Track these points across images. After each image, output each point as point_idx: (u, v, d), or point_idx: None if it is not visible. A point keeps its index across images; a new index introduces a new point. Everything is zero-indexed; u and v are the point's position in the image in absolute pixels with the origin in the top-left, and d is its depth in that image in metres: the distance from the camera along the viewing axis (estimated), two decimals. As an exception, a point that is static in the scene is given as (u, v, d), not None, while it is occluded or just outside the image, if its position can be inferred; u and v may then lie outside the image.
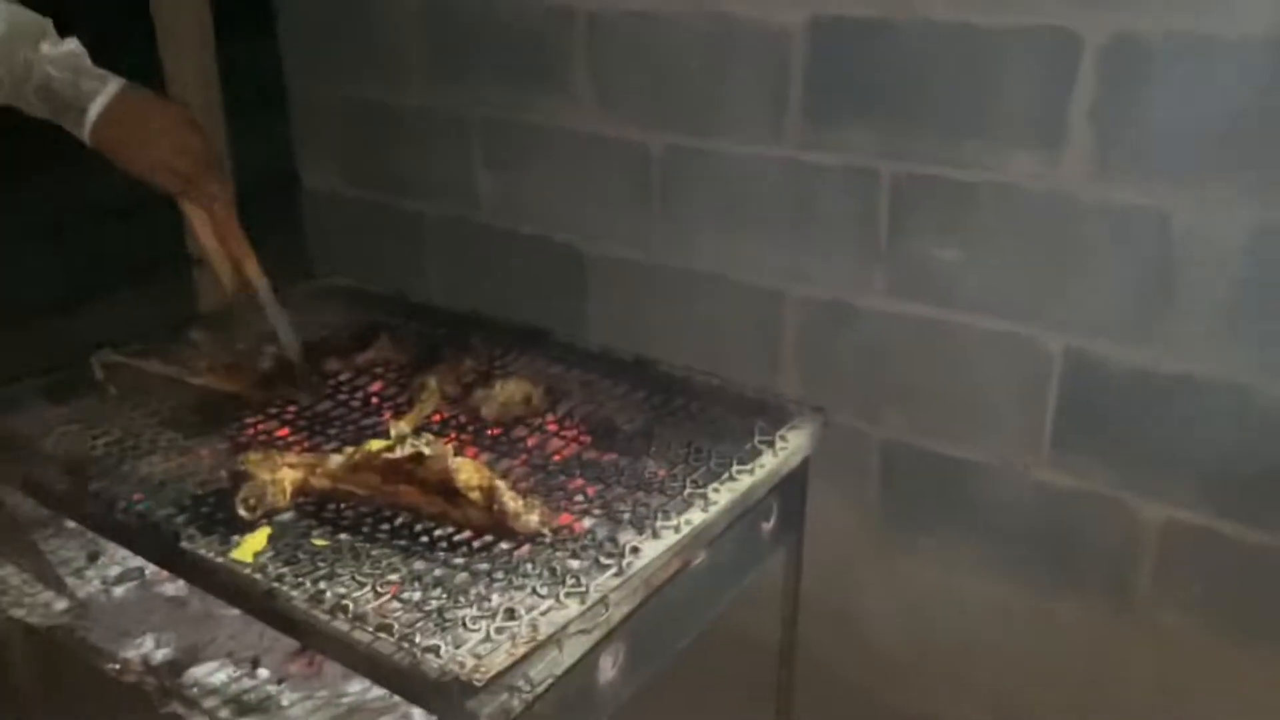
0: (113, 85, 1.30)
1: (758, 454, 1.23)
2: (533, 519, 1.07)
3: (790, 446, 1.26)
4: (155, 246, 2.51)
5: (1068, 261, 1.56)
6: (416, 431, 1.29)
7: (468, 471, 1.07)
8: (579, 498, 1.18)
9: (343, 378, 1.48)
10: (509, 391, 1.34)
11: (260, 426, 1.37)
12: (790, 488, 1.31)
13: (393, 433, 1.29)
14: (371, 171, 2.37)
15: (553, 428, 1.35)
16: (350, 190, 2.42)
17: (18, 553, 1.34)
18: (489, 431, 1.34)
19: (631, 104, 1.94)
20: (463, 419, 1.37)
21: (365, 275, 1.98)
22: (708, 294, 1.94)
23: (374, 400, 1.44)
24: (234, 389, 1.41)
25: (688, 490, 1.16)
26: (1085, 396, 1.61)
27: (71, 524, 1.33)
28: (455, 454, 1.11)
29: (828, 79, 1.70)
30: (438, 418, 1.37)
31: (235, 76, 2.44)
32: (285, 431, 1.36)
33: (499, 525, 1.07)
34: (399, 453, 1.08)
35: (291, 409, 1.40)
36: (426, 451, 1.08)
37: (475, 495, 1.07)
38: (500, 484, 1.07)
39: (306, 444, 1.32)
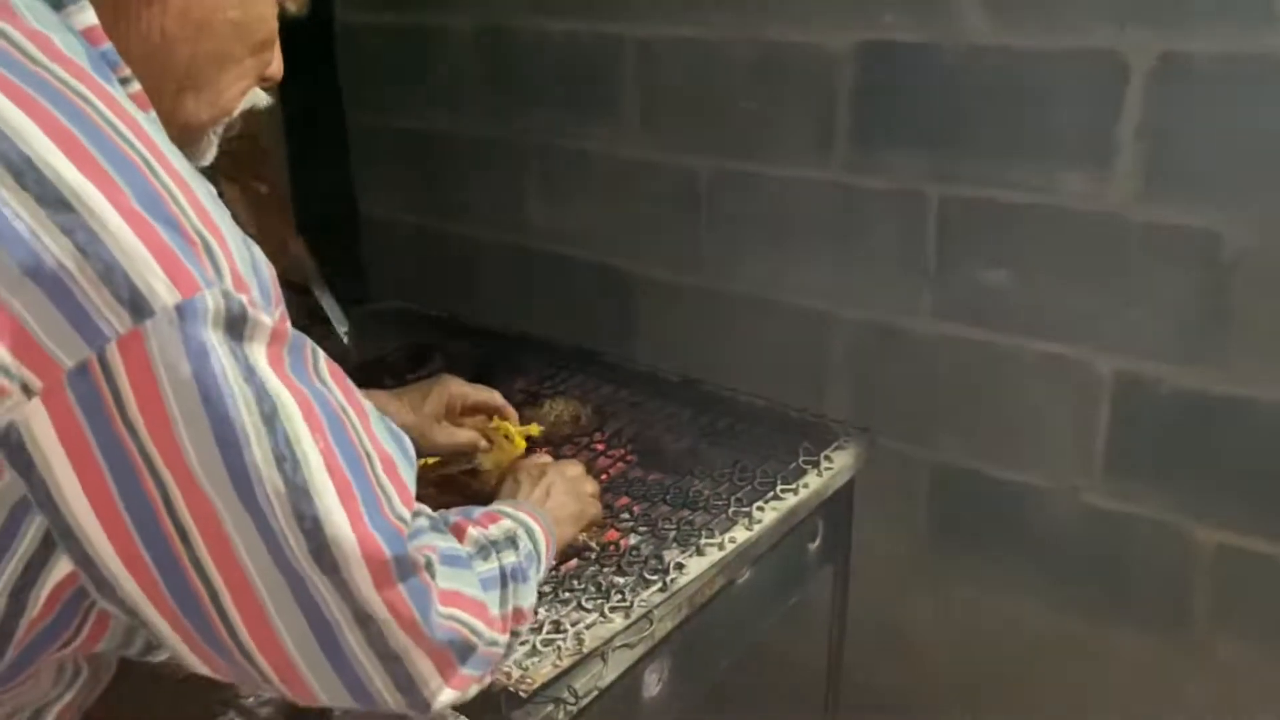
0: None
1: (803, 473, 1.24)
2: (580, 535, 1.09)
3: (836, 466, 1.26)
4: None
5: (1117, 283, 1.55)
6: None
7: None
8: (625, 515, 1.20)
9: (397, 398, 1.52)
10: (558, 410, 1.37)
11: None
12: (836, 508, 1.31)
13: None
14: (427, 200, 2.43)
15: (600, 446, 1.38)
16: (406, 218, 2.48)
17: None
18: (537, 450, 1.36)
19: (679, 129, 1.97)
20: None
21: (421, 300, 2.02)
22: (754, 316, 1.96)
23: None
24: None
25: (732, 509, 1.17)
26: (1137, 419, 1.59)
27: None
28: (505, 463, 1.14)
29: (875, 103, 1.71)
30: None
31: (296, 110, 2.52)
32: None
33: (546, 541, 1.10)
34: (453, 467, 1.11)
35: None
36: (481, 466, 1.11)
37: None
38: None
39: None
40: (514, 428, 1.21)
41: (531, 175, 2.22)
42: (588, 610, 1.00)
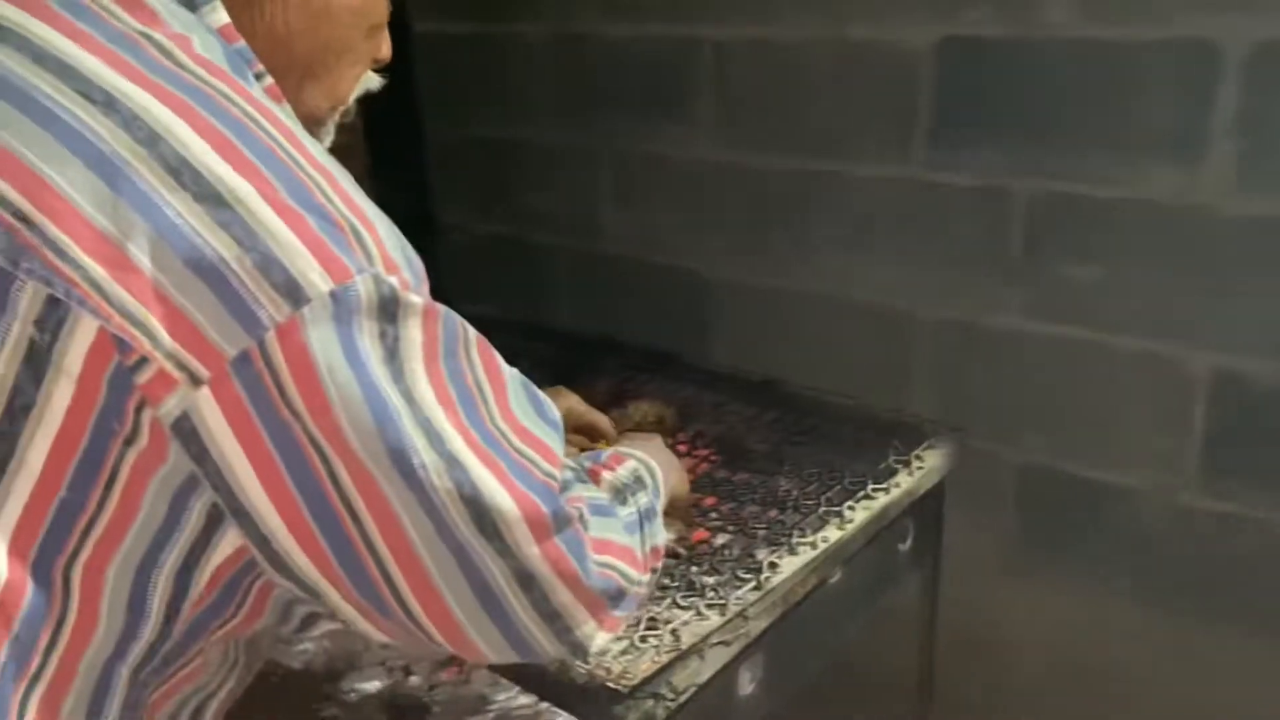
0: None
1: (893, 473, 1.23)
2: (669, 535, 1.09)
3: (927, 466, 1.25)
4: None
5: (1211, 278, 1.51)
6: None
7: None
8: (713, 514, 1.20)
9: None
10: (642, 412, 1.37)
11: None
12: (927, 509, 1.30)
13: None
14: (503, 208, 2.46)
15: (684, 447, 1.38)
16: (483, 227, 2.51)
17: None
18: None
19: (755, 130, 1.96)
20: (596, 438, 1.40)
21: (501, 304, 2.05)
22: (834, 316, 1.94)
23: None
24: None
25: (823, 508, 1.16)
26: (1234, 417, 1.55)
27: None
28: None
29: (956, 98, 1.69)
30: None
31: (375, 119, 2.57)
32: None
33: (638, 540, 1.10)
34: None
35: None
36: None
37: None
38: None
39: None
40: None
41: (606, 180, 2.23)
42: (683, 608, 1.01)
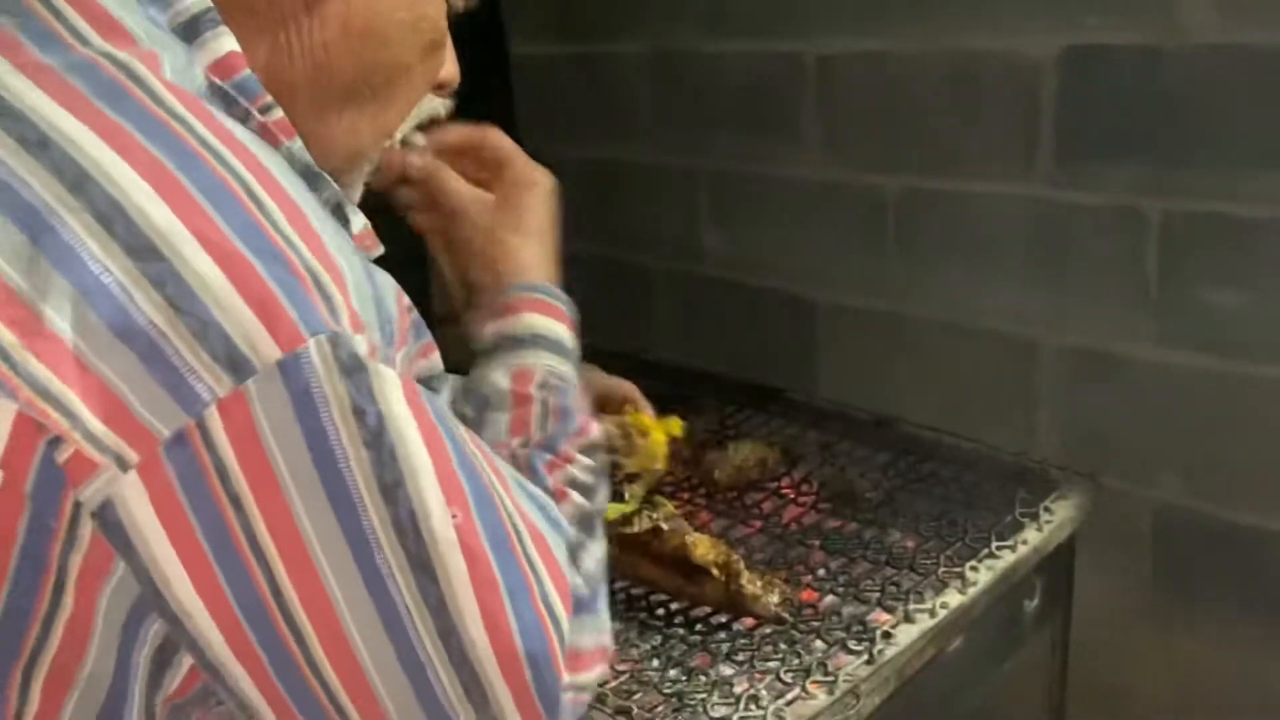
0: None
1: (1020, 528, 1.13)
2: (773, 600, 1.02)
3: (1056, 519, 1.15)
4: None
5: (1376, 304, 1.37)
6: (650, 495, 1.27)
7: (705, 547, 1.03)
8: (821, 571, 1.12)
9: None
10: (743, 454, 1.29)
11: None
12: (1056, 564, 1.19)
13: (626, 495, 1.27)
14: (600, 229, 2.41)
15: (789, 493, 1.30)
16: (579, 248, 2.43)
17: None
18: (720, 495, 1.29)
19: (864, 147, 1.87)
20: (694, 481, 1.33)
21: (593, 331, 2.00)
22: (950, 344, 1.83)
23: (607, 461, 1.43)
24: None
25: (942, 568, 1.07)
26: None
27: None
28: (689, 522, 1.07)
29: (1083, 112, 1.57)
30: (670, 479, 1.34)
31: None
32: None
33: (737, 604, 1.03)
34: (636, 526, 1.06)
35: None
36: (664, 526, 1.05)
37: (714, 571, 1.02)
38: (739, 563, 1.02)
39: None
40: (650, 420, 1.11)
41: (706, 201, 2.16)
42: (786, 683, 0.93)
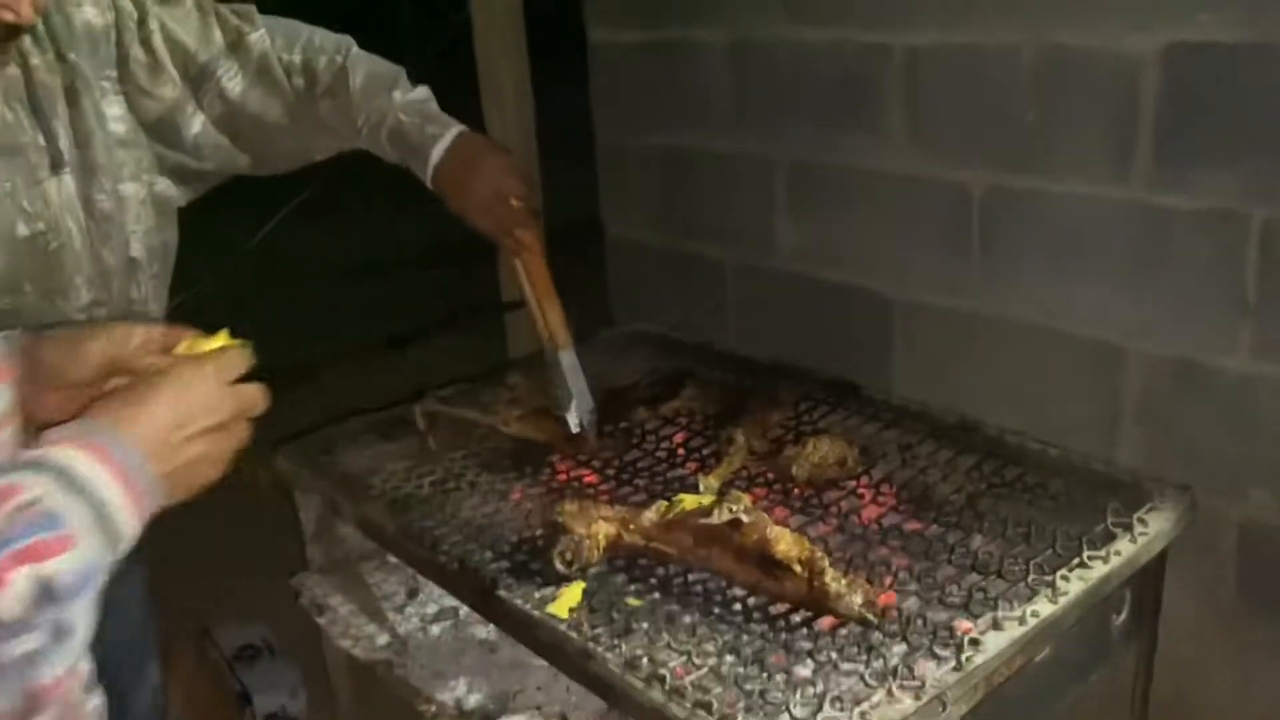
0: (454, 130, 1.33)
1: (1111, 538, 1.08)
2: (855, 600, 0.98)
3: (1151, 532, 1.10)
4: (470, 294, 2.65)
5: None
6: (724, 488, 1.25)
7: (787, 542, 1.00)
8: (902, 574, 1.08)
9: (648, 426, 1.46)
10: (822, 451, 1.26)
11: (570, 473, 1.37)
12: (1147, 577, 1.15)
13: (701, 487, 1.25)
14: (673, 218, 2.38)
15: (866, 493, 1.26)
16: (651, 237, 2.44)
17: (347, 584, 1.42)
18: (797, 491, 1.26)
19: (950, 142, 1.82)
20: (770, 476, 1.31)
21: (665, 322, 1.98)
22: (1032, 347, 1.78)
23: (680, 451, 1.40)
24: (543, 437, 1.42)
25: (1031, 575, 1.03)
26: None
27: (394, 559, 1.39)
28: (768, 517, 1.05)
29: (1185, 112, 1.51)
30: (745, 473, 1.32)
31: (548, 127, 2.54)
32: (593, 478, 1.36)
33: (818, 601, 1.00)
34: (716, 517, 1.03)
35: (599, 457, 1.39)
36: (744, 518, 1.02)
37: (795, 568, 1.00)
38: (823, 560, 1.00)
39: (614, 492, 1.31)
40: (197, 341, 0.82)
41: (784, 193, 2.12)
42: (870, 686, 0.90)
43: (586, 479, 1.36)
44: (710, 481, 1.24)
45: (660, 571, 1.11)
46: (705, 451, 1.38)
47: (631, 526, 1.11)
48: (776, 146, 2.11)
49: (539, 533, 1.19)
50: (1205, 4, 1.46)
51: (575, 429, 1.38)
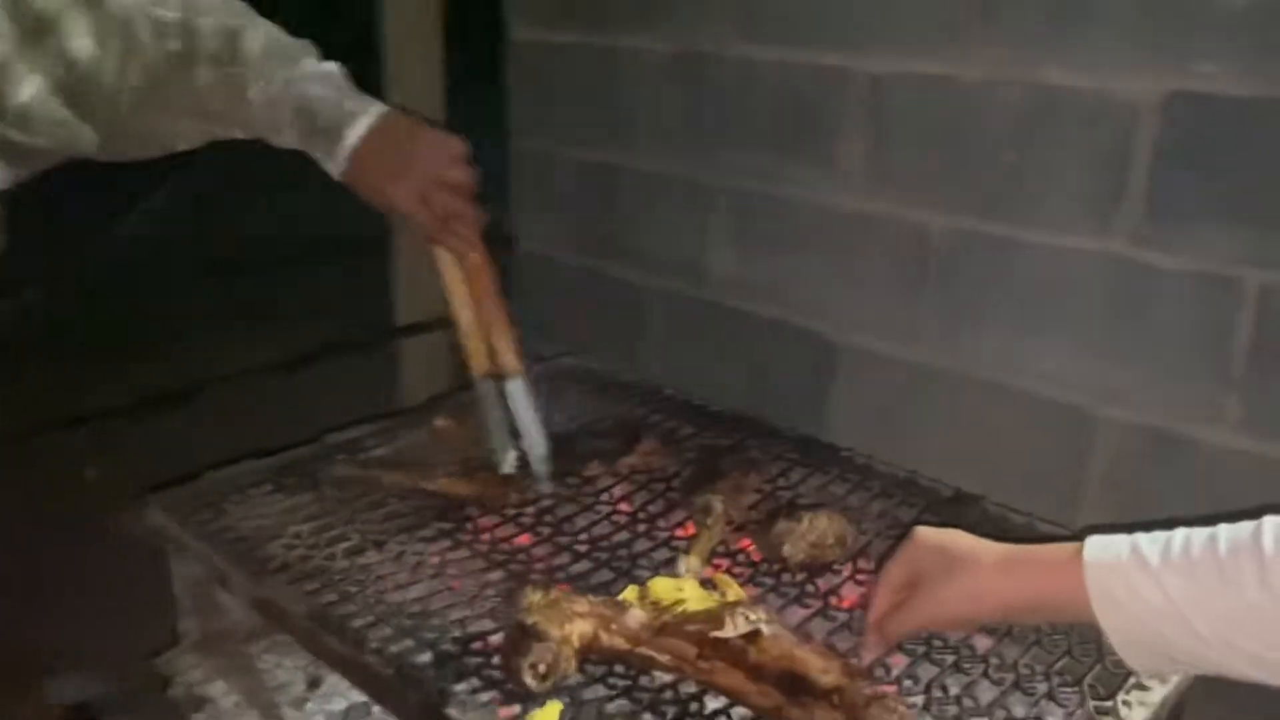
0: (379, 106, 1.13)
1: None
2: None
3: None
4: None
5: None
6: (706, 580, 1.06)
7: (820, 665, 0.82)
8: (908, 681, 0.92)
9: (601, 484, 1.26)
10: (820, 529, 1.09)
11: (513, 540, 1.16)
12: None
13: (682, 568, 1.06)
14: (595, 237, 2.19)
15: (864, 576, 1.10)
16: (569, 256, 2.24)
17: (231, 668, 1.16)
18: (787, 576, 1.09)
19: (911, 180, 1.69)
20: (753, 555, 1.13)
21: (578, 347, 1.79)
22: (989, 404, 1.66)
23: (641, 517, 1.21)
24: (472, 492, 1.21)
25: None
26: None
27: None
28: (788, 632, 0.87)
29: (1182, 166, 1.42)
30: (744, 547, 1.14)
31: (458, 127, 2.31)
32: (543, 552, 1.14)
33: (856, 735, 0.82)
34: (729, 630, 0.84)
35: (535, 515, 1.19)
36: (765, 630, 0.84)
37: (832, 698, 0.81)
38: (861, 686, 0.82)
39: (568, 568, 1.10)
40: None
41: (722, 220, 1.96)
42: None
43: (534, 554, 1.14)
44: (692, 562, 1.05)
45: (646, 682, 0.91)
46: (671, 520, 1.19)
47: (614, 627, 0.91)
48: (718, 170, 1.94)
49: (490, 626, 0.97)
50: (1211, 53, 1.37)
51: (511, 470, 1.19)
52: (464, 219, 1.18)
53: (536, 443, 1.22)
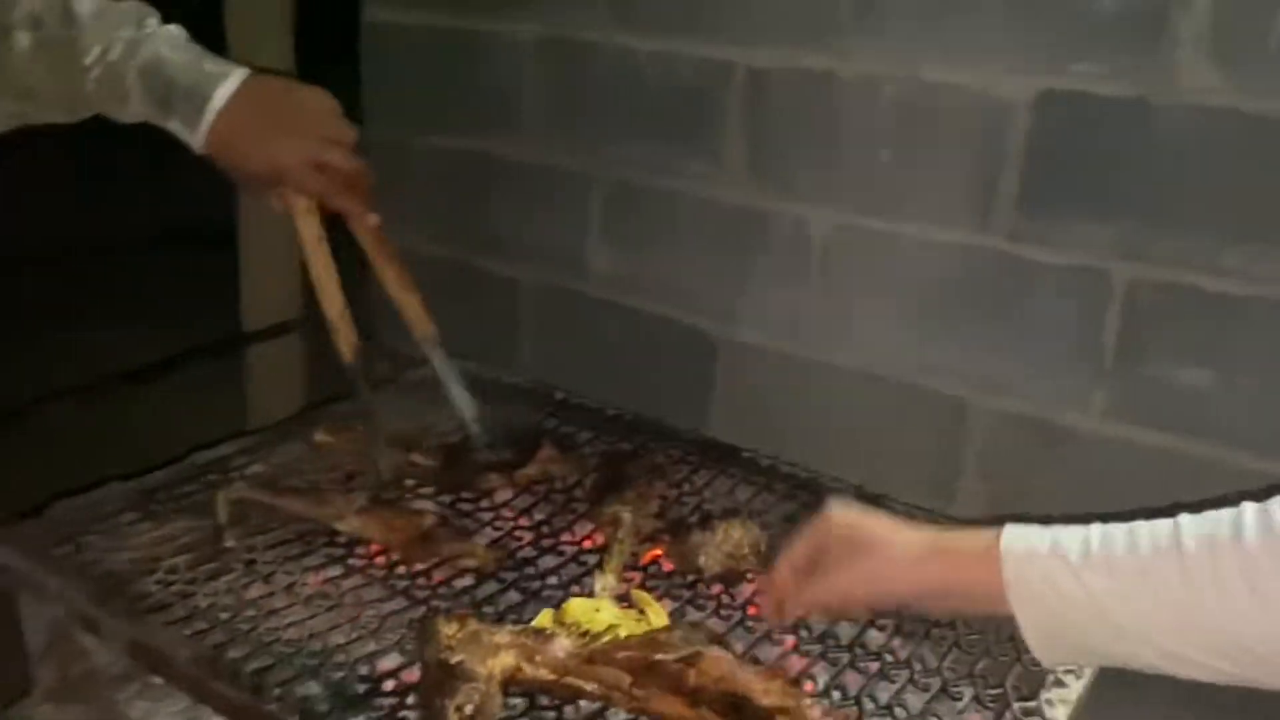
0: (242, 70, 1.04)
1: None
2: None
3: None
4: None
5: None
6: (618, 593, 1.02)
7: (765, 688, 0.79)
8: (870, 702, 0.91)
9: (499, 499, 1.20)
10: (735, 538, 1.07)
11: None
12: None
13: (598, 587, 1.02)
14: (460, 230, 2.10)
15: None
16: (432, 249, 2.14)
17: (94, 716, 1.05)
18: (701, 587, 1.06)
19: (794, 174, 1.69)
20: (665, 566, 1.09)
21: (448, 348, 1.73)
22: (870, 395, 1.68)
23: (545, 531, 1.16)
24: (397, 540, 1.11)
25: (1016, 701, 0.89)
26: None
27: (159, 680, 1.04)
28: (728, 653, 0.84)
29: (1054, 163, 1.46)
30: (655, 558, 1.10)
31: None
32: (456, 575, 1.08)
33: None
34: (669, 652, 0.81)
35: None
36: (703, 651, 0.81)
37: (774, 717, 0.79)
38: (811, 709, 0.80)
39: (473, 592, 1.04)
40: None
41: (599, 213, 1.91)
42: None
43: (434, 577, 1.07)
44: (609, 579, 1.01)
45: (570, 713, 0.87)
46: (577, 533, 1.15)
47: (538, 658, 0.86)
48: (594, 161, 1.89)
49: (399, 660, 0.91)
50: (1082, 54, 1.41)
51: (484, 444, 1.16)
52: (362, 178, 1.11)
53: (466, 405, 1.17)
